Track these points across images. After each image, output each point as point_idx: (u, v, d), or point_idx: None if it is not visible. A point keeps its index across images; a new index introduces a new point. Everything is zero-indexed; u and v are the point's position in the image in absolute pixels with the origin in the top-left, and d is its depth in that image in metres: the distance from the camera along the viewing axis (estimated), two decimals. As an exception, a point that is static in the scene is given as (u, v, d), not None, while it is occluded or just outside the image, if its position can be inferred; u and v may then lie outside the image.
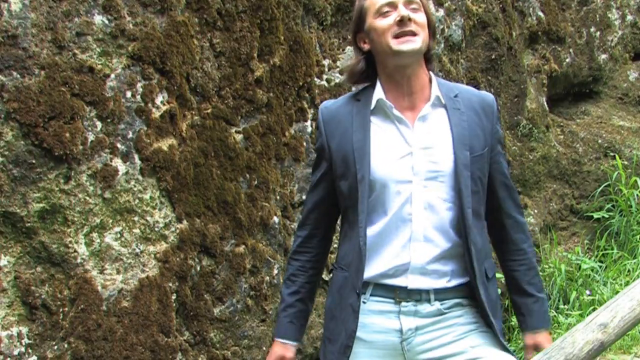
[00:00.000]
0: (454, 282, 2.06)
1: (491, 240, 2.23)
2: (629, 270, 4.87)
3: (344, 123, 2.11)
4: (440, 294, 2.05)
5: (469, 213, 2.02)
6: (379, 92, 2.09)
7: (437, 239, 2.04)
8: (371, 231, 2.05)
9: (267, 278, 3.18)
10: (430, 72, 2.14)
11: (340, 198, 2.13)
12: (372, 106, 2.09)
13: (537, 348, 2.11)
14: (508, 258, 2.19)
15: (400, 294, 2.04)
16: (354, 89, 2.31)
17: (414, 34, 2.01)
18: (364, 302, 2.07)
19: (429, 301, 2.05)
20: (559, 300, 4.64)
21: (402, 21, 2.00)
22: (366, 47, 2.12)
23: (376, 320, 2.07)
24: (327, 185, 2.16)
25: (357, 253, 2.05)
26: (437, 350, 2.05)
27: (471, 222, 2.02)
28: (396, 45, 2.01)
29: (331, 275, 2.23)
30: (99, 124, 2.60)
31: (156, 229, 2.78)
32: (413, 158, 2.04)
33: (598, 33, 5.68)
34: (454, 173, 2.03)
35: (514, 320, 4.35)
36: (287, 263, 2.29)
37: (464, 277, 2.06)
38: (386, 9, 2.04)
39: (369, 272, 2.06)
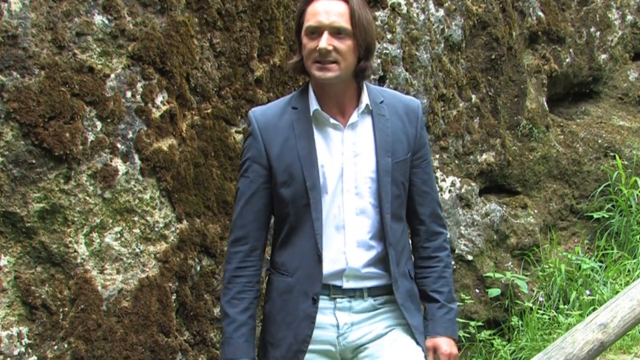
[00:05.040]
0: (386, 281, 2.13)
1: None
2: (629, 270, 4.87)
3: (285, 131, 2.11)
4: (374, 291, 2.13)
5: (387, 218, 2.09)
6: (313, 102, 2.11)
7: (370, 244, 2.11)
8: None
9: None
10: (364, 81, 2.14)
11: (280, 205, 2.13)
12: (311, 115, 2.11)
13: (435, 351, 2.16)
14: (418, 264, 2.24)
15: (335, 292, 2.11)
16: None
17: (333, 62, 2.02)
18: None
19: (362, 297, 2.12)
20: (559, 300, 4.63)
21: (321, 53, 2.01)
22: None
23: None
24: (266, 194, 2.14)
25: (309, 259, 2.08)
26: (368, 340, 2.13)
27: (389, 226, 2.09)
28: (315, 71, 2.04)
29: (266, 279, 2.24)
30: (99, 124, 2.60)
31: (156, 229, 2.78)
32: (344, 166, 2.09)
33: (598, 33, 5.67)
34: (377, 179, 2.08)
35: (514, 321, 4.35)
36: (225, 281, 2.15)
37: None
38: (313, 31, 2.04)
39: None
